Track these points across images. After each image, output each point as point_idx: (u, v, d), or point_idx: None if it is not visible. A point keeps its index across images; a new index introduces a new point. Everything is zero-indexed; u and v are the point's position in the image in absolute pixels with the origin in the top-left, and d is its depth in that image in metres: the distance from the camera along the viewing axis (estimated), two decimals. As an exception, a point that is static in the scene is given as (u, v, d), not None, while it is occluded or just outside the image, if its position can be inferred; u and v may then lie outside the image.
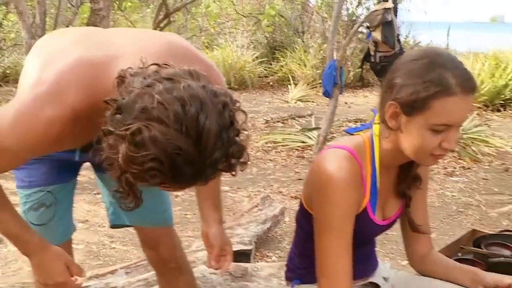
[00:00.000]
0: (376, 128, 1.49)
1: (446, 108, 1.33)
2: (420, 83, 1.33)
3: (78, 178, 1.81)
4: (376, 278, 1.69)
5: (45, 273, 1.52)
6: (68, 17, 9.72)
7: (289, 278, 1.72)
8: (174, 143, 1.03)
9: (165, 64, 1.16)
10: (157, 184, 1.11)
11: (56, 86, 1.24)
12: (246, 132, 1.15)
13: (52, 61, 1.31)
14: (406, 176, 1.59)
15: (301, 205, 1.60)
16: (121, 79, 1.15)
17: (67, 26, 8.60)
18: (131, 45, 1.34)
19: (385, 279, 1.72)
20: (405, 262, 1.85)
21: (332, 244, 1.44)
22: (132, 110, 1.06)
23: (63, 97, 1.23)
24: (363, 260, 1.65)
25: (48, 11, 8.23)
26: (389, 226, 1.63)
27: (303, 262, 1.65)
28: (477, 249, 2.20)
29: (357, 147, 1.48)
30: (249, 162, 1.18)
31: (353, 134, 1.56)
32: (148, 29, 1.55)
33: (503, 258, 2.11)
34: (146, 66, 1.16)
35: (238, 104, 1.14)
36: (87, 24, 5.16)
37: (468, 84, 1.34)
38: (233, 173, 1.16)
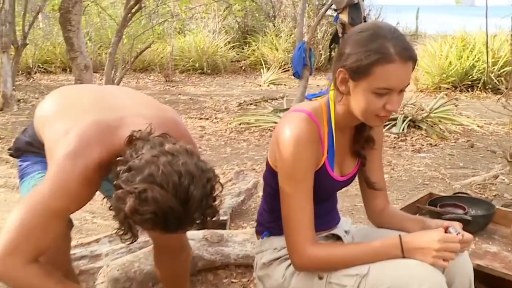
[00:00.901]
0: (331, 93, 1.67)
1: (386, 73, 1.51)
2: (363, 52, 1.52)
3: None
4: (338, 231, 1.85)
5: None
6: (37, 3, 9.64)
7: (259, 232, 1.87)
8: (168, 204, 1.40)
9: (167, 135, 1.55)
10: (149, 229, 1.50)
11: (81, 145, 1.58)
12: (220, 198, 1.54)
13: (74, 125, 1.64)
14: (359, 137, 1.77)
15: (267, 164, 1.76)
16: (131, 138, 1.54)
17: (37, 13, 8.56)
18: (131, 108, 1.75)
19: (346, 232, 1.89)
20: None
21: (295, 194, 1.60)
22: (141, 172, 1.41)
23: (89, 152, 1.57)
24: (325, 214, 1.82)
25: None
26: (347, 182, 1.80)
27: (271, 216, 1.80)
28: (431, 207, 2.39)
29: (315, 111, 1.65)
30: (218, 219, 1.57)
31: (311, 100, 1.73)
32: (145, 95, 1.98)
33: (454, 215, 2.30)
34: (153, 134, 1.55)
35: (218, 178, 1.54)
36: (60, 10, 5.19)
37: (406, 53, 1.52)
38: (205, 226, 1.53)
